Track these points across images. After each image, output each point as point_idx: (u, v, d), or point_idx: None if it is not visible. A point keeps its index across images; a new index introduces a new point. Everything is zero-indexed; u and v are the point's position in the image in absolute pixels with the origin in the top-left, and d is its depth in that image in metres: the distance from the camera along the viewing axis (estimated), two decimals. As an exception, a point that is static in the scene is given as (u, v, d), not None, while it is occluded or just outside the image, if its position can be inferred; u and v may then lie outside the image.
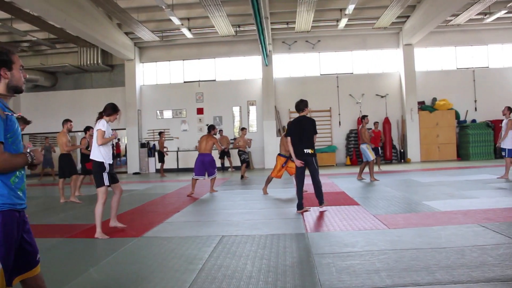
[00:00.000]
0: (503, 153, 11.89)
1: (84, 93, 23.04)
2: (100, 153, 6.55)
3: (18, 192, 2.65)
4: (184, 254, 5.29)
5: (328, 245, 5.43)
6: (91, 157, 6.67)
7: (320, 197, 7.92)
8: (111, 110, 6.75)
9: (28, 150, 2.68)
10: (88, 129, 12.13)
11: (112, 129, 6.80)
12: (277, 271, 4.43)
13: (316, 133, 7.96)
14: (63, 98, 23.11)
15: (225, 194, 11.33)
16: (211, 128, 12.02)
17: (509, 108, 11.86)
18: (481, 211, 7.09)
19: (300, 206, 7.90)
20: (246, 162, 16.06)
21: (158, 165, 19.65)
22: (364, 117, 13.67)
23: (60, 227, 7.58)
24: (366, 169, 13.54)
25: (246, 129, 16.51)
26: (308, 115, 8.20)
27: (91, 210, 9.48)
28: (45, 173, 21.23)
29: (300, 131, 7.87)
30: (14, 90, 2.79)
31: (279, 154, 10.75)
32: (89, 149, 12.05)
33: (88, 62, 21.68)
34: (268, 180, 11.06)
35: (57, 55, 22.49)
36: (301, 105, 8.07)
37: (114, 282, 4.41)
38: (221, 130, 19.60)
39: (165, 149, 19.13)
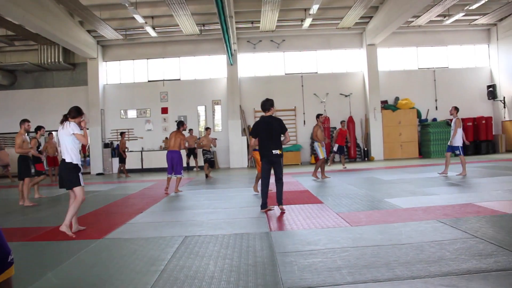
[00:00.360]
0: (457, 152, 12.33)
1: (45, 92, 22.48)
2: (74, 155, 6.63)
3: None
4: (146, 255, 5.22)
5: (291, 243, 5.45)
6: (66, 160, 6.63)
7: (280, 198, 7.79)
8: (75, 113, 6.80)
9: None
10: (39, 128, 11.78)
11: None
12: (240, 270, 4.42)
13: (286, 130, 7.80)
14: (22, 97, 22.48)
15: (190, 194, 11.26)
16: (180, 124, 11.90)
17: (456, 108, 12.47)
18: (440, 207, 7.27)
19: (264, 205, 7.84)
20: (211, 162, 16.00)
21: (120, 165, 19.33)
22: (318, 115, 13.71)
23: (17, 230, 7.34)
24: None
25: (210, 128, 16.48)
26: (273, 115, 8.07)
27: (51, 212, 9.29)
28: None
29: (267, 131, 7.71)
30: None
31: (255, 150, 10.37)
32: (40, 149, 11.75)
33: (49, 60, 21.17)
34: (258, 178, 10.79)
35: (16, 53, 21.89)
36: (267, 104, 7.88)
37: (74, 286, 4.31)
38: (191, 129, 19.45)
39: (126, 150, 18.86)
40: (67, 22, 17.97)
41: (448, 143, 12.76)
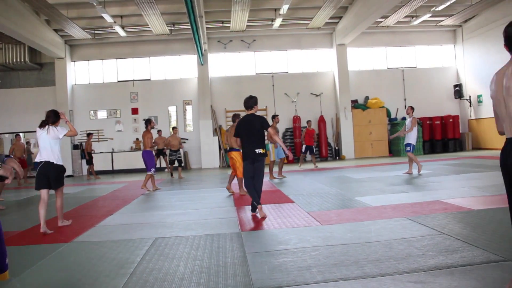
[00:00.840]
0: (408, 148, 12.62)
1: (10, 92, 21.85)
2: (60, 157, 7.12)
3: None
4: (116, 258, 5.15)
5: (261, 243, 5.46)
6: (57, 163, 7.01)
7: (255, 202, 7.29)
8: (54, 118, 7.16)
9: None
10: None
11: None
12: (210, 271, 4.40)
13: (268, 126, 7.35)
14: (-13, 98, 21.86)
15: (161, 195, 11.16)
16: (147, 122, 12.04)
17: (412, 108, 12.90)
18: (409, 205, 7.39)
19: (257, 202, 7.29)
20: (179, 161, 16.36)
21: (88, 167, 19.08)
22: (274, 116, 13.67)
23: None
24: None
25: (177, 128, 16.83)
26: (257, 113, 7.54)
27: (16, 216, 9.10)
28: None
29: (248, 131, 7.31)
30: None
31: (233, 150, 10.07)
32: None
33: (14, 60, 20.60)
34: (241, 182, 10.04)
35: (-22, 52, 21.24)
36: (250, 102, 7.46)
37: (39, 291, 4.22)
38: (160, 130, 19.26)
39: (92, 152, 18.64)
40: (33, 20, 17.55)
41: (398, 134, 13.27)
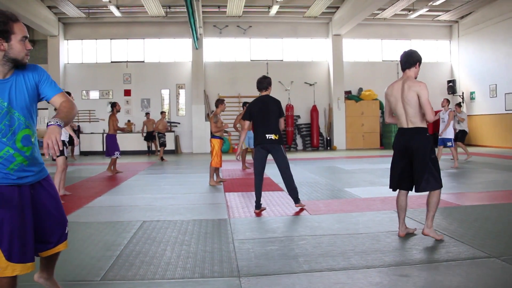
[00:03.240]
0: (449, 144, 12.54)
1: (1, 69, 21.60)
2: (63, 134, 8.19)
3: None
4: (102, 240, 5.13)
5: (249, 230, 5.46)
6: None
7: (293, 194, 6.67)
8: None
9: None
10: None
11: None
12: (196, 257, 4.40)
13: (283, 115, 6.70)
14: (-23, 73, 21.55)
15: (151, 178, 11.14)
16: (113, 106, 12.10)
17: (447, 100, 12.81)
18: (397, 198, 7.41)
19: (257, 206, 6.60)
20: (164, 145, 16.87)
21: (74, 149, 19.12)
22: (245, 104, 13.25)
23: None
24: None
25: (165, 112, 17.57)
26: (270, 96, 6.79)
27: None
28: None
29: (263, 112, 6.58)
30: (12, 62, 2.61)
31: (214, 137, 9.91)
32: None
33: (6, 36, 20.32)
34: (213, 171, 9.77)
35: (-31, 27, 20.89)
36: (264, 82, 6.72)
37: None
38: (148, 113, 19.19)
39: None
40: (26, -4, 17.28)
41: (439, 135, 13.08)
